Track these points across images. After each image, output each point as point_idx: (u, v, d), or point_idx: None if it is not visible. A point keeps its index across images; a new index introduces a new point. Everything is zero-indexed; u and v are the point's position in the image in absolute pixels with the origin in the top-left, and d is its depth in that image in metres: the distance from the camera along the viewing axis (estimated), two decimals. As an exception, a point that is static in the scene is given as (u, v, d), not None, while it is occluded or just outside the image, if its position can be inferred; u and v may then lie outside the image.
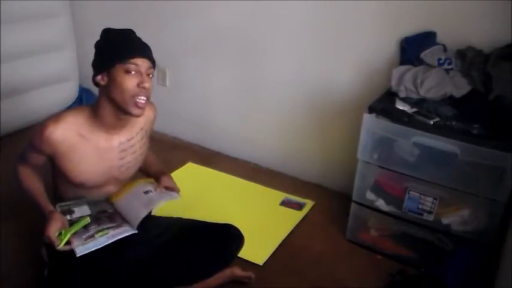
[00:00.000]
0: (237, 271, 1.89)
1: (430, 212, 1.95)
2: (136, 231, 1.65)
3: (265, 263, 2.06)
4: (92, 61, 1.62)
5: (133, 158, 1.75)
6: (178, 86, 2.96)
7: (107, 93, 1.59)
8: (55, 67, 2.98)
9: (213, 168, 2.75)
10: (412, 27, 2.13)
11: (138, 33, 1.66)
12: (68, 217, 1.65)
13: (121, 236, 1.61)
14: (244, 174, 2.70)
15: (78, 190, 1.72)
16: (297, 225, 2.33)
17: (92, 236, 1.59)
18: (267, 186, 2.62)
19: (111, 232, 1.62)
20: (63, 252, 1.57)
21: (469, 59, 1.99)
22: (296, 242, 2.22)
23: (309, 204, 2.49)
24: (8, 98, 2.75)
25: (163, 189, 1.78)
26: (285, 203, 2.50)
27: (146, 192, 1.75)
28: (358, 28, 2.28)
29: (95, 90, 1.69)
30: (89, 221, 1.64)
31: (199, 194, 2.41)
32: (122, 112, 1.60)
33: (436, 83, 1.97)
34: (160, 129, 2.84)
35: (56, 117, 1.62)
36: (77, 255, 1.51)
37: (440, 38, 2.09)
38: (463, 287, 1.79)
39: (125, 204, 1.74)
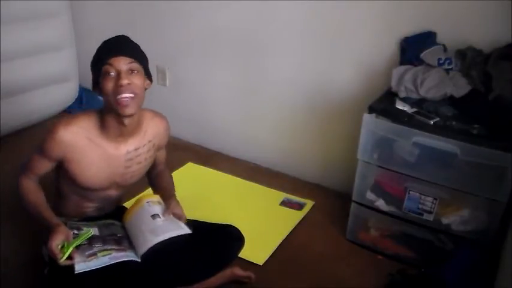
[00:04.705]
0: (237, 271, 1.90)
1: (430, 212, 1.95)
2: (139, 260, 1.62)
3: (265, 263, 2.07)
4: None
5: (138, 168, 1.76)
6: (178, 86, 2.96)
7: (104, 102, 1.61)
8: (55, 67, 2.98)
9: (213, 168, 2.75)
10: (412, 27, 2.13)
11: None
12: (76, 231, 1.62)
13: (123, 260, 1.59)
14: (244, 174, 2.70)
15: (81, 191, 1.73)
16: (297, 225, 2.33)
17: (95, 254, 1.57)
18: (267, 186, 2.62)
19: (114, 254, 1.60)
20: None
21: (469, 59, 1.98)
22: (296, 242, 2.22)
23: (309, 204, 2.49)
24: (8, 98, 2.75)
25: (171, 216, 1.73)
26: (285, 203, 2.50)
27: (153, 217, 1.71)
28: (358, 28, 2.28)
29: (95, 90, 1.70)
30: (92, 233, 1.61)
31: (199, 194, 2.41)
32: (116, 115, 1.60)
33: (436, 83, 1.97)
34: (160, 129, 2.83)
35: (66, 120, 1.63)
36: (75, 272, 1.50)
37: (440, 38, 2.09)
38: (463, 287, 1.79)
39: (132, 227, 1.73)
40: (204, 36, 2.74)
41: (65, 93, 3.08)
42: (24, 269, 1.92)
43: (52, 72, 2.97)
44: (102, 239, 1.66)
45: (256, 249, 2.09)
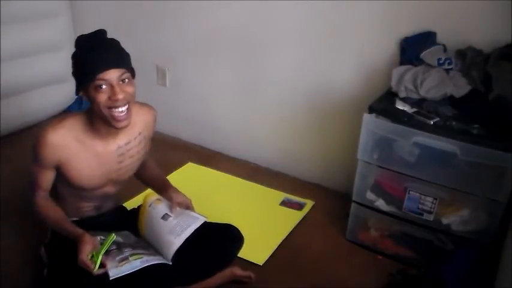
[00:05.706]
0: (237, 271, 1.90)
1: (430, 212, 1.95)
2: (170, 263, 1.62)
3: (265, 263, 2.07)
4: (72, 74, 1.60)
5: (131, 161, 1.76)
6: (178, 86, 2.96)
7: (91, 107, 1.59)
8: (55, 67, 2.98)
9: (213, 168, 2.75)
10: (412, 27, 2.13)
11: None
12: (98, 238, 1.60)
13: (155, 262, 1.57)
14: (244, 174, 2.70)
15: (78, 192, 1.73)
16: (297, 225, 2.33)
17: (126, 258, 1.54)
18: (267, 186, 2.62)
19: (146, 257, 1.58)
20: (62, 252, 1.57)
21: (469, 59, 1.98)
22: (296, 242, 2.22)
23: (309, 204, 2.49)
24: (8, 98, 2.75)
25: (178, 209, 1.72)
26: (285, 203, 2.50)
27: (164, 218, 1.68)
28: (358, 28, 2.28)
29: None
30: (114, 237, 1.55)
31: (199, 194, 2.39)
32: (108, 124, 1.58)
33: (436, 83, 1.97)
34: (161, 129, 2.82)
35: (53, 123, 1.61)
36: (110, 278, 1.47)
37: (440, 38, 2.09)
38: (463, 287, 1.79)
39: (150, 235, 1.71)
40: (204, 36, 2.74)
41: (65, 93, 3.08)
42: (24, 269, 1.92)
43: (52, 72, 2.97)
44: (131, 245, 1.64)
45: (256, 249, 2.09)
